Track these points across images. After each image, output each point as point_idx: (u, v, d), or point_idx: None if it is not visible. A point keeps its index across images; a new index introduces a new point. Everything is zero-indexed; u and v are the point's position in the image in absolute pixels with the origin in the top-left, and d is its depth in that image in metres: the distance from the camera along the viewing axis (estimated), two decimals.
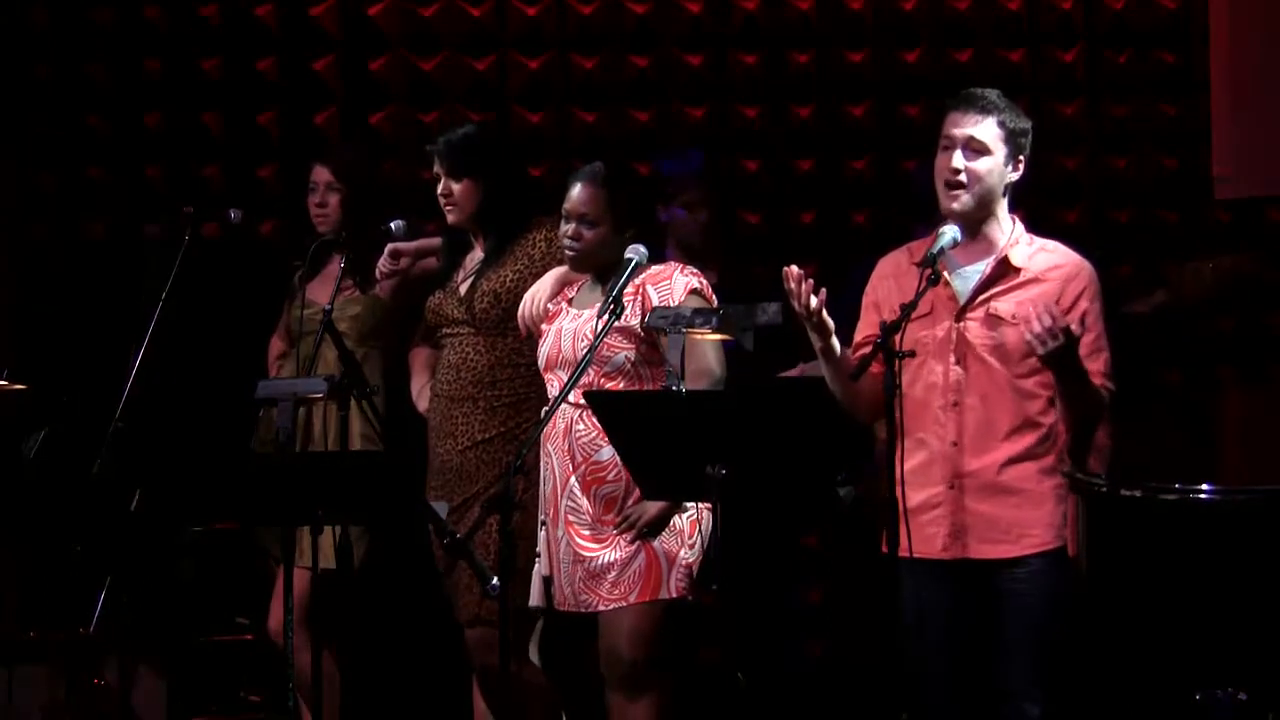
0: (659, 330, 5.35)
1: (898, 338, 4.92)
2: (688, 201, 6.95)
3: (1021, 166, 5.15)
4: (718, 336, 5.40)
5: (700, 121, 8.20)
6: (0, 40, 7.80)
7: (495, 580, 5.10)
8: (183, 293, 6.39)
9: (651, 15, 8.19)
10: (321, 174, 6.65)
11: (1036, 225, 5.34)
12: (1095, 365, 5.07)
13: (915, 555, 4.97)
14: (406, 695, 7.17)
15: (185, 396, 6.95)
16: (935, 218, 5.29)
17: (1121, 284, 7.67)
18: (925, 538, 5.05)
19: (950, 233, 5.05)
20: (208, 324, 7.14)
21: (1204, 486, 4.98)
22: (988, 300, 5.11)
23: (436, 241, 6.31)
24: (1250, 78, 8.22)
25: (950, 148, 5.10)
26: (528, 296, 5.82)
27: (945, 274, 5.11)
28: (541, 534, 5.64)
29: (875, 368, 5.05)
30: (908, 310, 4.94)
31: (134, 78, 7.90)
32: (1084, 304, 5.09)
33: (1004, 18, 8.38)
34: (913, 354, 4.98)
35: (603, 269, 5.61)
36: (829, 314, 5.05)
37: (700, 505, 5.51)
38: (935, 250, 5.03)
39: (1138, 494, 4.99)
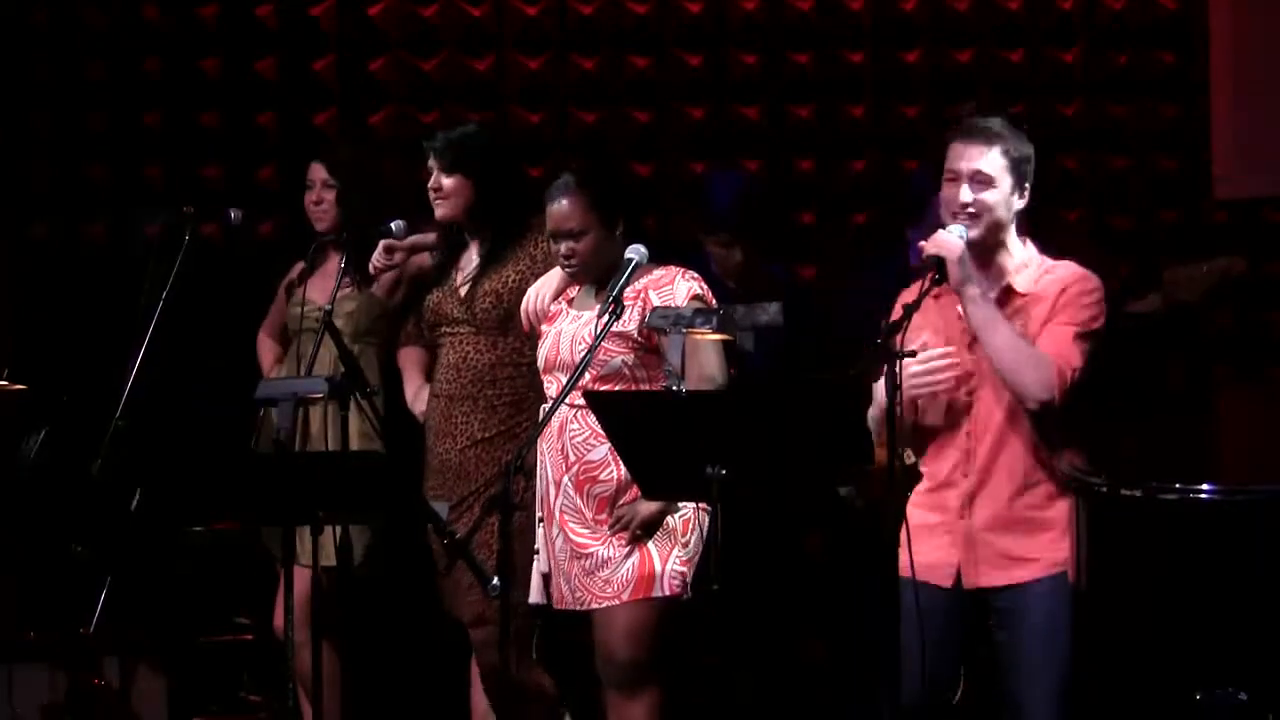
0: (659, 330, 5.35)
1: (899, 337, 4.91)
2: (723, 241, 6.92)
3: (1026, 194, 5.13)
4: (717, 337, 5.39)
5: (700, 122, 8.21)
6: (0, 40, 7.80)
7: (495, 580, 5.09)
8: (183, 292, 6.39)
9: (651, 15, 8.20)
10: (318, 171, 6.66)
11: (1036, 225, 5.33)
12: (1045, 339, 5.02)
13: (920, 580, 4.96)
14: (408, 693, 7.17)
15: (185, 396, 6.94)
16: (928, 220, 5.27)
17: (1120, 284, 7.67)
18: (930, 565, 5.03)
19: (956, 230, 5.05)
20: (208, 323, 7.13)
21: (1204, 486, 4.97)
22: None
23: (431, 238, 6.31)
24: (1250, 78, 8.24)
25: (956, 180, 5.09)
26: (532, 292, 5.82)
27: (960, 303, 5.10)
28: (539, 531, 5.64)
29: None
30: (910, 310, 4.93)
31: (133, 77, 7.90)
32: (1062, 299, 5.06)
33: (1003, 18, 8.38)
34: (913, 354, 4.97)
35: (605, 272, 5.59)
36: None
37: (694, 505, 5.51)
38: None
39: (1138, 494, 4.99)
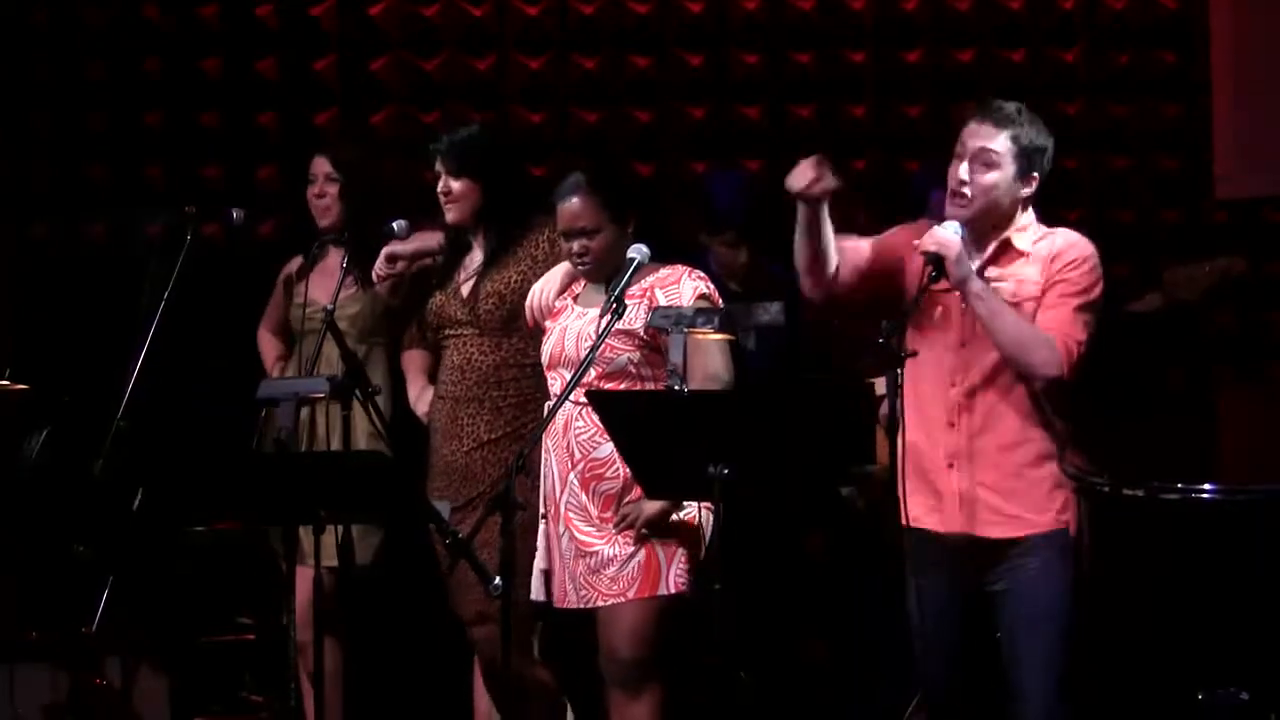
0: (661, 330, 5.34)
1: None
2: (728, 241, 6.91)
3: (1034, 183, 5.10)
4: (719, 336, 5.39)
5: (701, 121, 8.21)
6: (0, 39, 7.79)
7: (497, 580, 5.09)
8: (184, 292, 6.39)
9: (652, 15, 8.21)
10: (321, 165, 6.67)
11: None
12: (1046, 316, 5.02)
13: (914, 527, 4.96)
14: (411, 692, 7.17)
15: (187, 396, 6.95)
16: (930, 218, 5.28)
17: (1121, 284, 7.68)
18: (924, 510, 5.04)
19: (951, 226, 5.04)
20: (209, 324, 7.13)
21: (1206, 486, 4.98)
22: (988, 282, 5.07)
23: (434, 243, 6.30)
24: (1251, 78, 8.25)
25: (961, 157, 5.08)
26: (537, 287, 5.82)
27: None
28: (541, 527, 5.64)
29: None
30: (909, 311, 4.94)
31: (133, 77, 7.90)
32: (1056, 265, 5.05)
33: (1005, 18, 8.39)
34: (914, 354, 4.97)
35: (616, 271, 5.57)
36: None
37: (699, 503, 5.50)
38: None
39: (1140, 494, 4.99)
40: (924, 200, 6.11)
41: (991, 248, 5.07)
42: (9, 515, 6.67)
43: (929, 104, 8.27)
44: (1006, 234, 5.09)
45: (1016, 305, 5.03)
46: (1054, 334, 4.98)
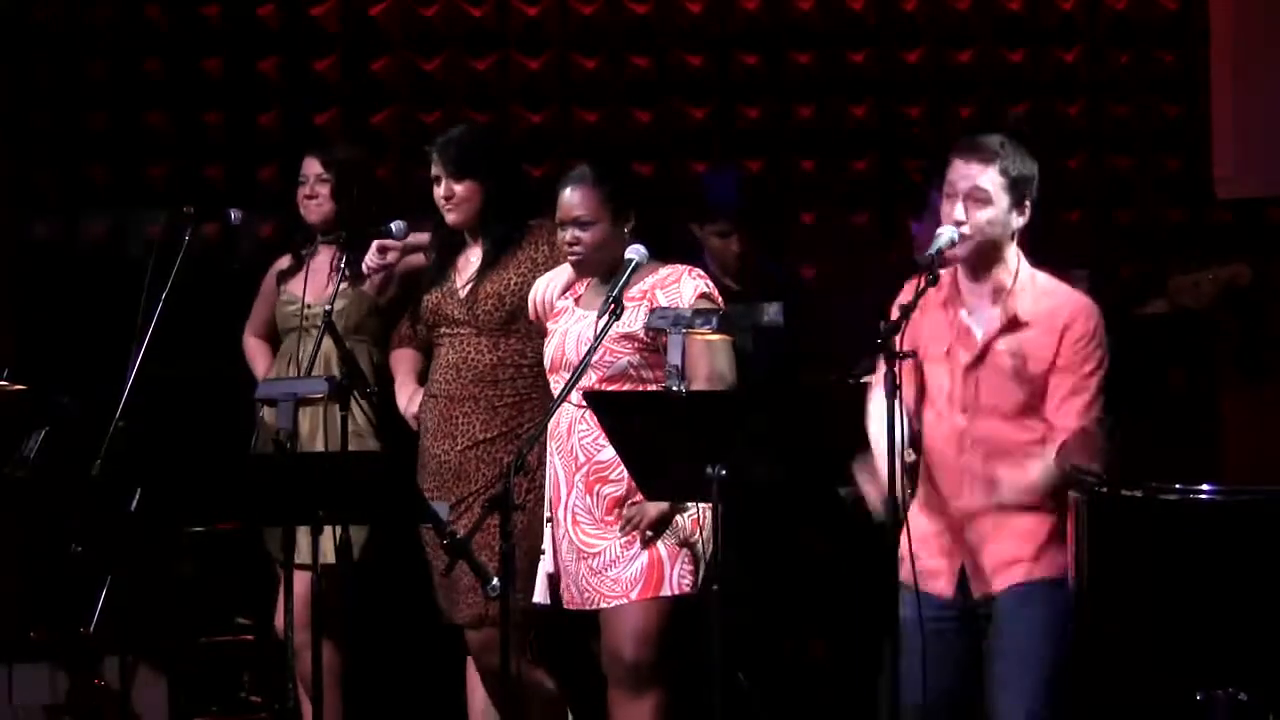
0: (659, 330, 5.34)
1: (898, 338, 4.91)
2: (721, 230, 6.91)
3: (1027, 212, 5.09)
4: (717, 337, 5.39)
5: (701, 122, 8.21)
6: (0, 39, 7.80)
7: (496, 581, 5.09)
8: (184, 292, 6.39)
9: (653, 15, 8.21)
10: (311, 165, 6.66)
11: (1039, 226, 5.31)
12: (1069, 406, 5.02)
13: (919, 590, 4.97)
14: (408, 693, 7.17)
15: (186, 396, 6.95)
16: (931, 214, 5.27)
17: (1122, 284, 7.68)
18: (929, 573, 5.04)
19: (948, 233, 5.03)
20: (209, 324, 7.13)
21: (1205, 487, 4.96)
22: (994, 348, 5.08)
23: (424, 238, 6.30)
24: (1251, 78, 8.25)
25: (953, 196, 5.07)
26: (542, 281, 5.80)
27: (962, 313, 5.08)
28: (547, 530, 5.64)
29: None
30: (907, 311, 4.93)
31: (135, 77, 7.91)
32: (1068, 342, 5.04)
33: (1005, 18, 8.39)
34: (913, 354, 4.96)
35: (610, 269, 5.57)
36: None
37: (702, 504, 5.50)
38: (934, 251, 5.02)
39: (1139, 494, 4.98)
40: (924, 200, 6.11)
41: (1000, 321, 5.08)
42: (9, 515, 6.67)
43: (930, 104, 8.27)
44: (1010, 303, 5.06)
45: (1028, 377, 5.03)
46: (1072, 426, 5.00)
